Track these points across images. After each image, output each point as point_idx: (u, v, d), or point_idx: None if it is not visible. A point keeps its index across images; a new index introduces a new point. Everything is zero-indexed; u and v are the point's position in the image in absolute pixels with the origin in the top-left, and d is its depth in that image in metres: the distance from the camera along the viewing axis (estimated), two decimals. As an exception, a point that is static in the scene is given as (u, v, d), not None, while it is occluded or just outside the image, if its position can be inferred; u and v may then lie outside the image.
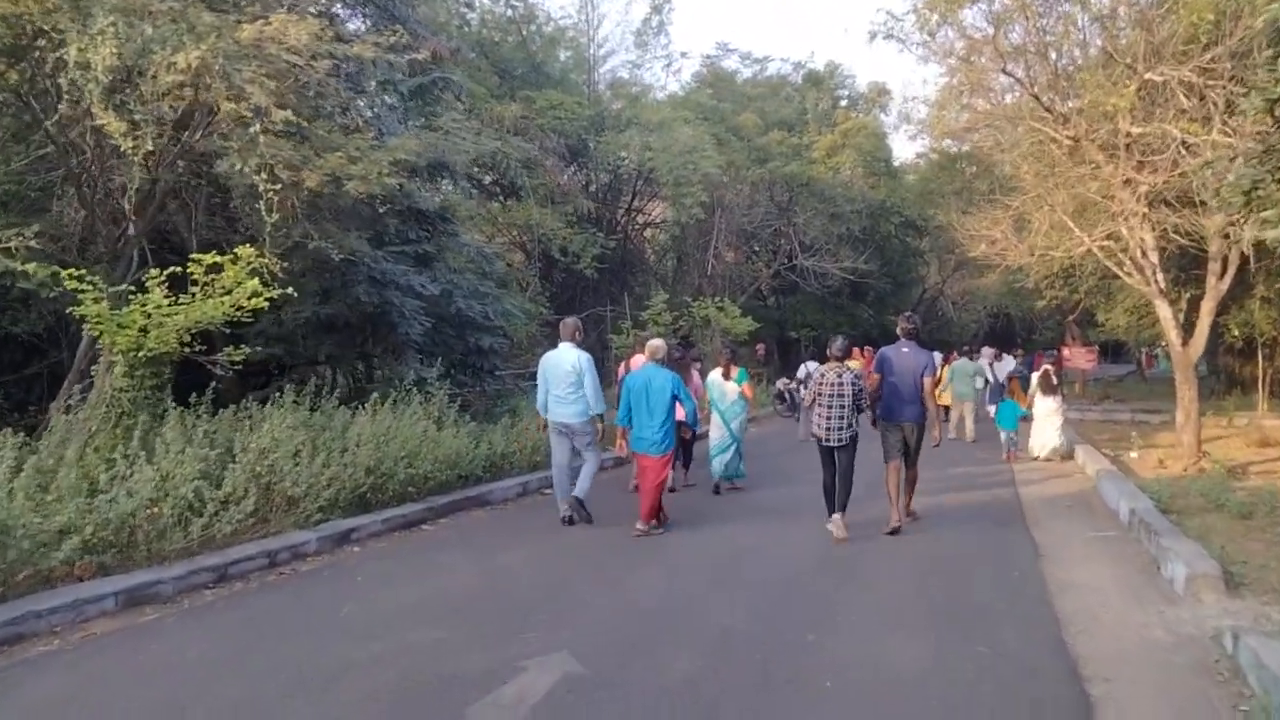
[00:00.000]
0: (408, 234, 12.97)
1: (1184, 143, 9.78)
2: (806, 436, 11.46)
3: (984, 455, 13.88)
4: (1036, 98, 11.18)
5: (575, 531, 8.07)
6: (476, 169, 19.20)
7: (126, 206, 8.26)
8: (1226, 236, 11.32)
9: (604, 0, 28.70)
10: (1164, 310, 11.79)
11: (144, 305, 7.31)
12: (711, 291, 23.76)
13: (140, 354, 7.36)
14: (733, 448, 10.15)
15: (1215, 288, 11.53)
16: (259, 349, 11.03)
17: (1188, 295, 12.02)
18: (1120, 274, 12.06)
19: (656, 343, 8.56)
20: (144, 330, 7.33)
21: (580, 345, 8.31)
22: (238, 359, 8.11)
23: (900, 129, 37.97)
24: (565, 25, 25.39)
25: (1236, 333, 16.11)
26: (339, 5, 13.26)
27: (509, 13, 22.63)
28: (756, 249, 28.05)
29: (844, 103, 28.87)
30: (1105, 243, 12.47)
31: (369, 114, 10.70)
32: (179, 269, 7.62)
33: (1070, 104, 11.30)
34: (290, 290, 8.00)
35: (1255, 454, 13.83)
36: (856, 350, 13.15)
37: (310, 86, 8.22)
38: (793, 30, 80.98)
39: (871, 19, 18.00)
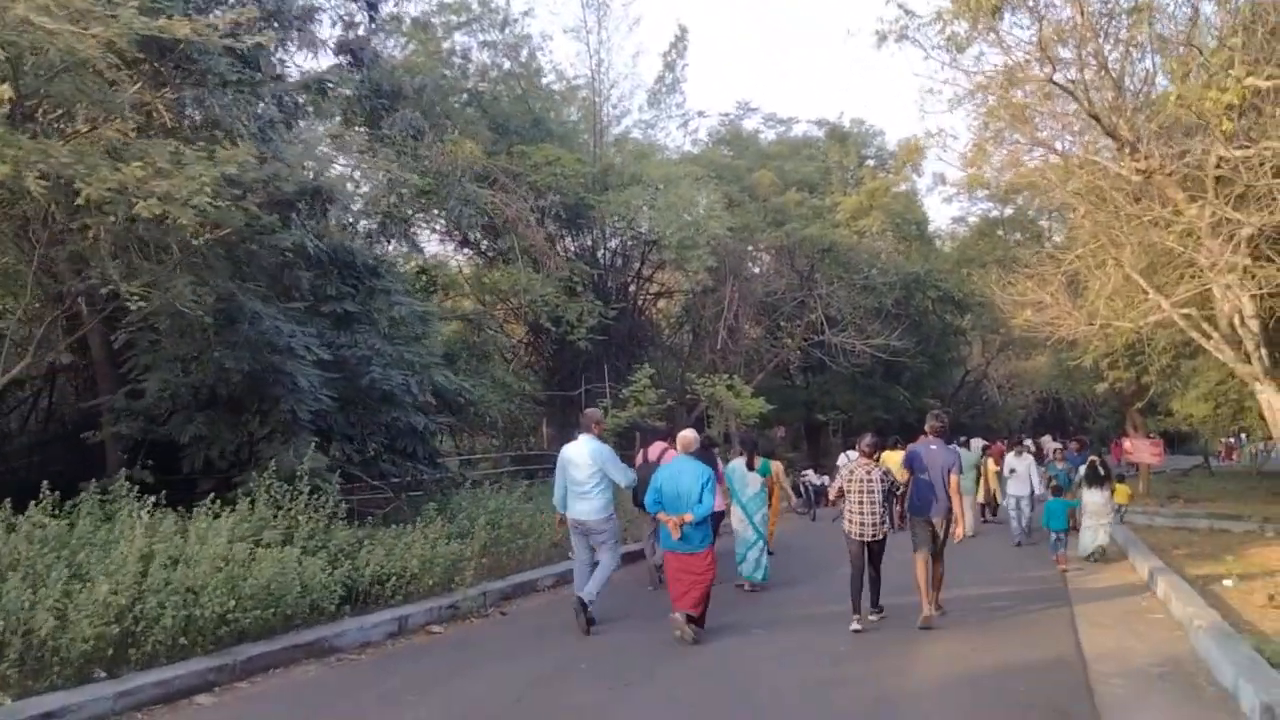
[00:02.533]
0: (324, 289, 10.57)
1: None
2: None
3: (1032, 565, 10.87)
4: (1096, 118, 8.48)
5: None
6: (440, 222, 17.03)
7: None
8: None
9: (618, 59, 26.28)
10: (1271, 397, 8.82)
11: None
12: (727, 368, 21.04)
13: None
14: (760, 545, 9.69)
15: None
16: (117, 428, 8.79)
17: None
18: (1209, 348, 9.12)
19: (690, 434, 8.14)
20: None
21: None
22: None
23: (935, 190, 35.23)
24: (578, 84, 23.47)
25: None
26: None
27: (507, 64, 20.65)
28: (782, 324, 25.32)
29: (871, 161, 26.33)
30: (1185, 310, 9.58)
31: (252, 128, 8.25)
32: None
33: (1141, 124, 8.57)
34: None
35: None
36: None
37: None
38: (821, 92, 79.13)
39: (880, 15, 14.51)
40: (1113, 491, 12.88)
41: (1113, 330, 11.80)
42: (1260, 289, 7.96)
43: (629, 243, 22.36)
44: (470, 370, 17.02)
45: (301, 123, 11.31)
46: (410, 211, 16.00)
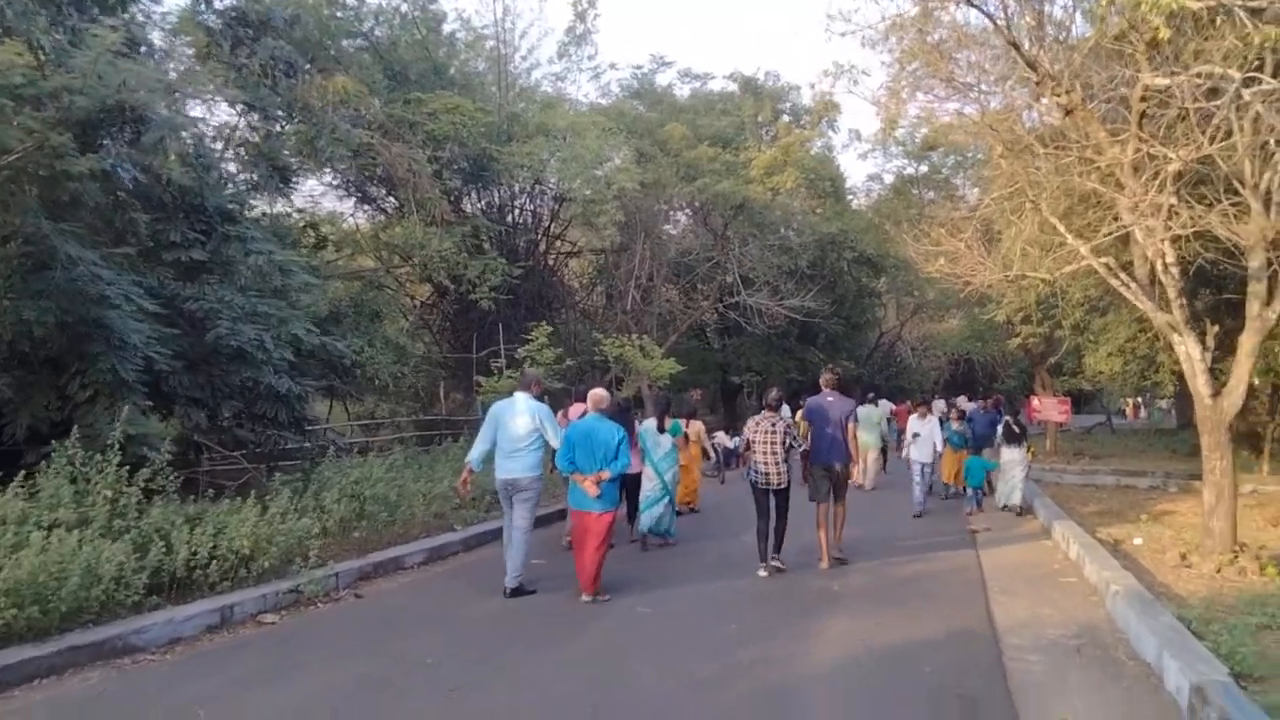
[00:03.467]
0: (167, 235, 9.23)
1: (1238, 94, 6.28)
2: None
3: (941, 529, 10.28)
4: (1016, 46, 7.69)
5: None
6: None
7: None
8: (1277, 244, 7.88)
9: (525, 5, 24.80)
10: (1190, 348, 8.26)
11: None
12: (640, 330, 20.06)
13: None
14: (665, 501, 9.64)
15: (1261, 317, 8.02)
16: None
17: (1216, 331, 8.44)
18: (1128, 295, 8.52)
19: (600, 392, 7.87)
20: None
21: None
22: None
23: (850, 146, 34.78)
24: (485, 33, 21.95)
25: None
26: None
27: (405, 7, 19.08)
28: (699, 285, 24.43)
29: (786, 117, 25.42)
30: (1103, 259, 8.95)
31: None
32: None
33: (1061, 55, 7.81)
34: None
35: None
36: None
37: None
38: (738, 48, 77.89)
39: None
40: (1028, 449, 13.17)
41: (1027, 283, 11.23)
42: (1184, 230, 7.30)
43: (536, 198, 21.15)
44: (361, 330, 15.72)
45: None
46: (291, 159, 14.55)
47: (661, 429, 9.94)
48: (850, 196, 26.91)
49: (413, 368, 17.05)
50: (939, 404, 21.51)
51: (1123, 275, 8.71)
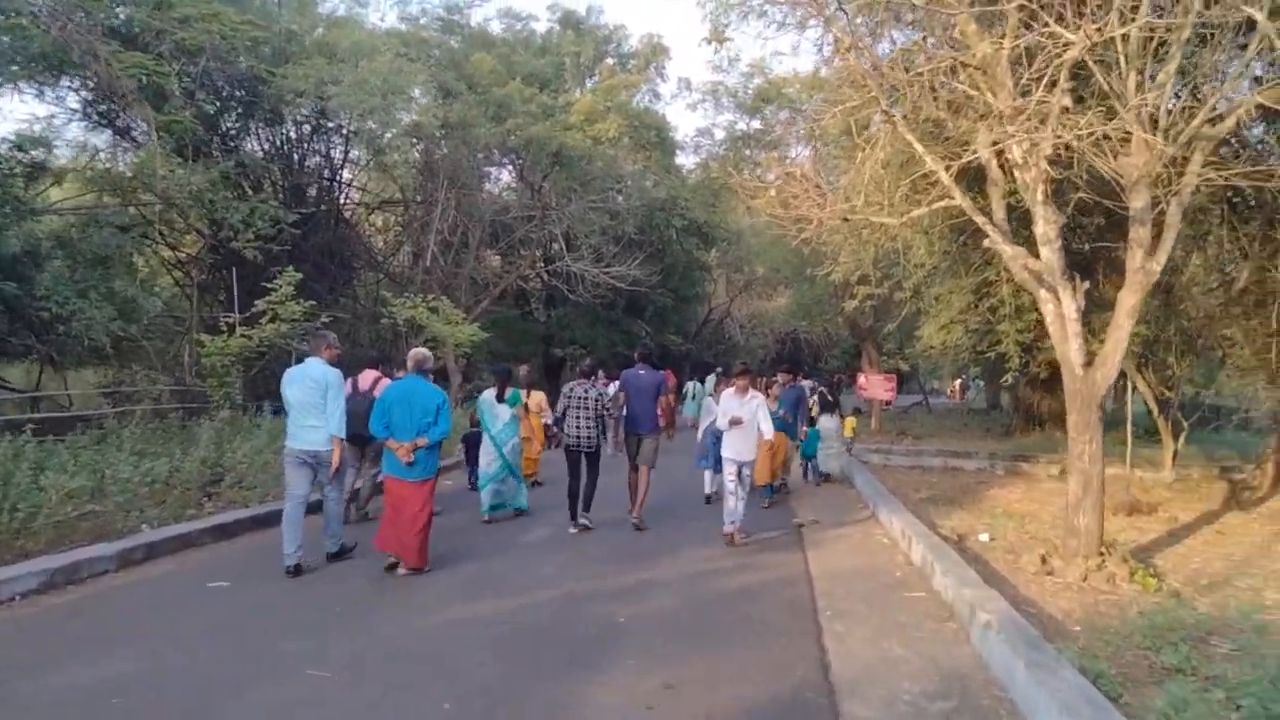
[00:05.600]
0: None
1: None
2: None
3: (768, 526, 8.34)
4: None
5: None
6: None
7: None
8: (1165, 180, 6.31)
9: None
10: (1065, 304, 6.60)
11: None
12: (447, 292, 17.32)
13: None
14: (505, 476, 9.15)
15: (1144, 270, 6.41)
16: None
17: (1086, 287, 6.81)
18: (994, 239, 6.77)
19: (421, 352, 7.19)
20: None
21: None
22: None
23: (680, 96, 32.85)
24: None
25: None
26: None
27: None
28: (522, 251, 21.81)
29: (611, 60, 23.11)
30: (956, 204, 7.20)
31: None
32: None
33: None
34: None
35: (1130, 526, 9.10)
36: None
37: None
38: None
39: None
40: (842, 420, 13.37)
41: (868, 234, 9.47)
42: (1081, 137, 5.48)
43: (325, 137, 17.92)
44: (76, 280, 12.28)
45: None
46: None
47: (500, 398, 9.25)
48: (679, 151, 24.91)
49: (148, 327, 13.62)
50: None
51: (983, 216, 6.95)
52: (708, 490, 10.33)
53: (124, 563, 6.49)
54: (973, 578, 5.92)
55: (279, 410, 14.09)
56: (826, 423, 12.52)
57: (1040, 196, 6.25)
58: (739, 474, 8.12)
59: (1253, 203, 9.63)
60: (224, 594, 5.94)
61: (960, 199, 6.78)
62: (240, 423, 10.42)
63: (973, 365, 24.20)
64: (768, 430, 8.24)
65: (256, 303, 11.72)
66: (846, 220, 8.43)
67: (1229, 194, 9.13)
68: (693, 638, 5.16)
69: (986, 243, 7.55)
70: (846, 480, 12.37)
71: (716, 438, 8.90)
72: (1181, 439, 12.50)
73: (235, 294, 12.93)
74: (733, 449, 8.18)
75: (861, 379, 18.67)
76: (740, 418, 8.13)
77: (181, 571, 6.56)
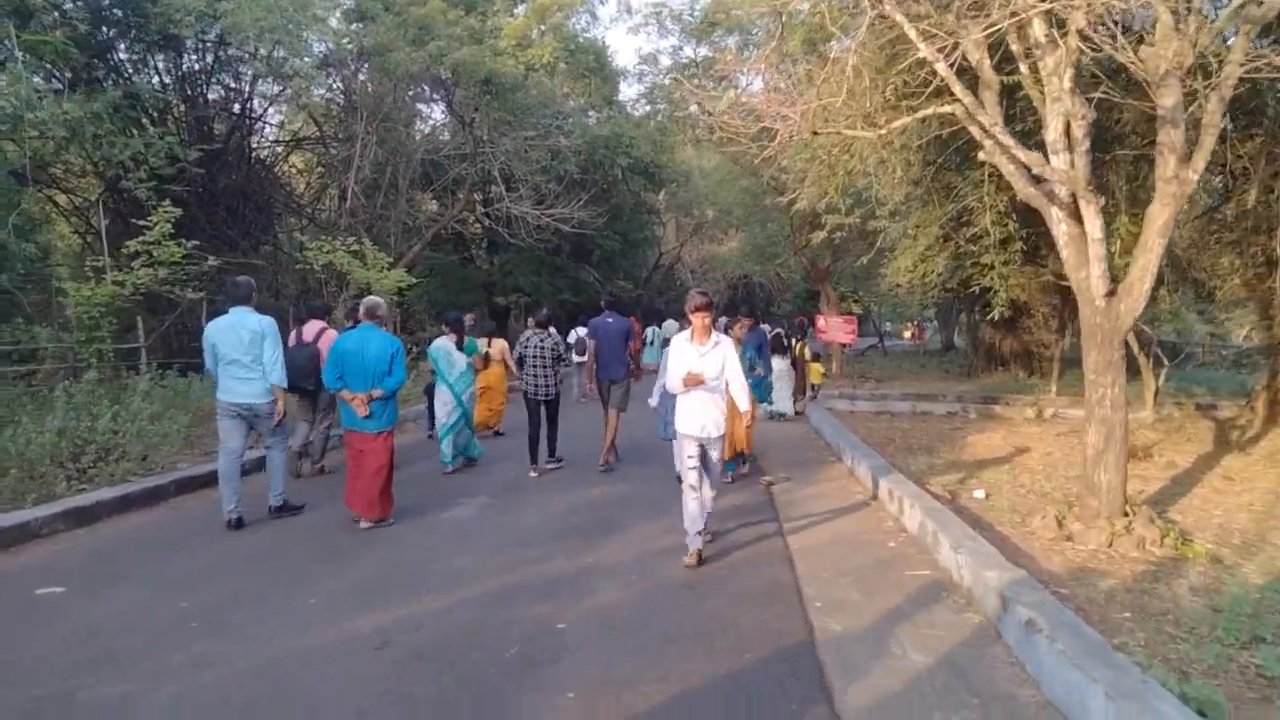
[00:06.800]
0: None
1: None
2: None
3: (738, 493, 7.17)
4: None
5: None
6: None
7: None
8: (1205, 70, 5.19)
9: None
10: (1089, 221, 5.47)
11: None
12: (373, 237, 15.68)
13: None
14: (463, 423, 8.93)
15: (1178, 179, 5.27)
16: None
17: (1104, 203, 5.68)
18: (1001, 145, 5.59)
19: (374, 300, 6.91)
20: None
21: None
22: None
23: (620, 19, 30.77)
24: None
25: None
26: None
27: None
28: (454, 191, 20.07)
29: (547, -23, 21.36)
30: (945, 111, 6.00)
31: None
32: None
33: None
34: None
35: (1131, 473, 8.14)
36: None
37: None
38: None
39: None
40: (805, 365, 14.03)
41: (838, 152, 8.22)
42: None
43: (231, 68, 15.96)
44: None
45: None
46: None
47: (460, 346, 9.09)
48: (621, 80, 23.15)
49: (27, 278, 11.78)
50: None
51: (981, 120, 5.74)
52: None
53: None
54: (992, 554, 4.82)
55: (189, 370, 12.61)
56: (778, 364, 12.60)
57: (1068, 84, 5.04)
58: (702, 459, 5.49)
59: (1258, 115, 8.60)
60: (52, 605, 4.60)
61: (961, 95, 5.55)
62: (115, 384, 8.94)
63: (935, 305, 23.35)
64: (742, 397, 5.60)
65: (128, 243, 10.05)
66: (816, 135, 7.17)
67: (1232, 105, 8.09)
68: (642, 652, 3.97)
69: (982, 155, 6.34)
70: (808, 423, 12.24)
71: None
72: (1162, 377, 11.68)
73: (104, 234, 11.21)
74: (692, 419, 5.48)
75: (821, 321, 17.59)
76: (700, 375, 5.35)
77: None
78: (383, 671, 3.74)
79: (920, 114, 6.56)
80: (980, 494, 7.08)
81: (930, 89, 6.64)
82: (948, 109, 6.24)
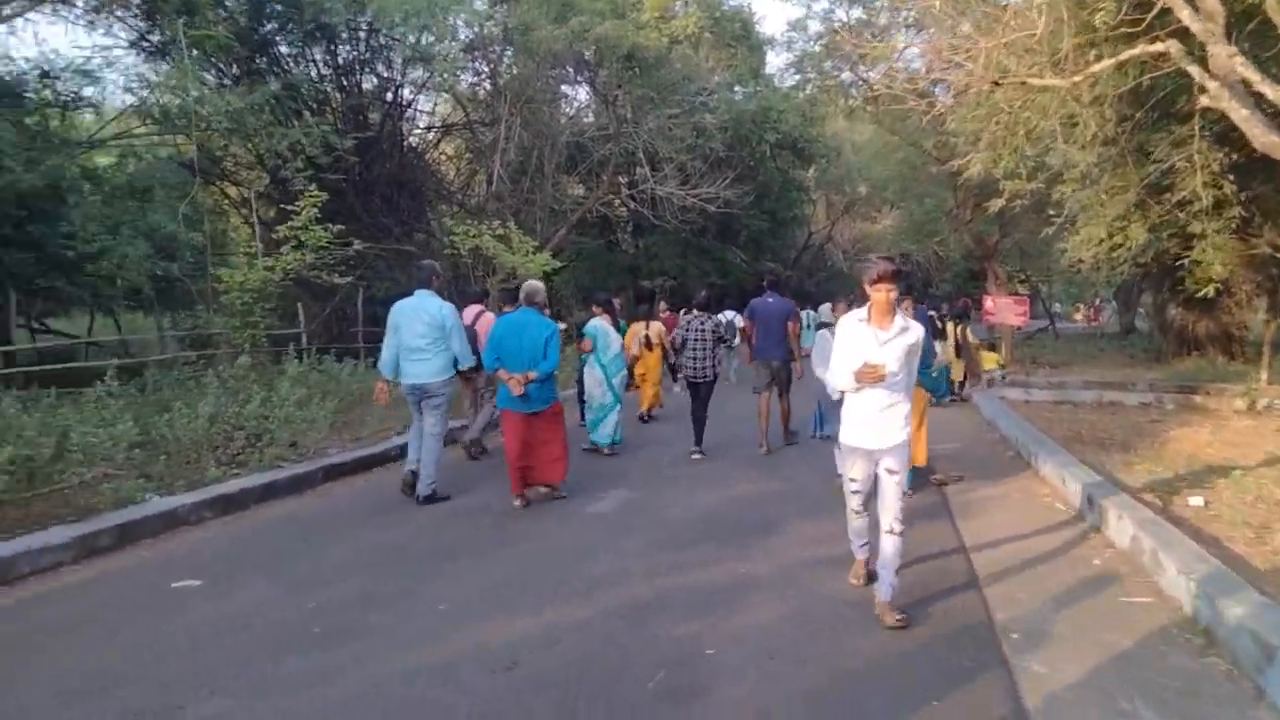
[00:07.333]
0: None
1: None
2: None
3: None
4: None
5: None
6: None
7: None
8: None
9: None
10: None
11: None
12: (519, 221, 15.65)
13: None
14: (617, 409, 8.79)
15: None
16: None
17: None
18: (1220, 96, 4.58)
19: (534, 284, 6.89)
20: None
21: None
22: None
23: None
24: None
25: None
26: None
27: None
28: (598, 174, 19.86)
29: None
30: (1157, 49, 5.02)
31: None
32: None
33: None
34: None
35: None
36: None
37: None
38: None
39: None
40: (972, 350, 13.09)
41: (1020, 106, 7.20)
42: None
43: (383, 55, 16.27)
44: (109, 218, 11.07)
45: None
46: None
47: (616, 327, 9.17)
48: (769, 48, 22.13)
49: (195, 265, 12.32)
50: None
51: (1219, 50, 4.74)
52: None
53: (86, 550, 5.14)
54: (1236, 582, 3.92)
55: (344, 355, 12.92)
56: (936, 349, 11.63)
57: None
58: (881, 479, 4.17)
59: None
60: (183, 600, 4.48)
61: (1190, 22, 4.57)
62: (273, 370, 9.11)
63: (1118, 283, 21.21)
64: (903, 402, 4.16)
65: (277, 228, 10.24)
66: (997, 86, 6.26)
67: None
68: (816, 694, 3.37)
69: (1206, 100, 5.32)
70: (978, 413, 11.28)
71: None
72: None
73: (256, 221, 11.53)
74: (861, 429, 4.18)
75: (989, 302, 16.19)
76: (880, 369, 3.91)
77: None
78: (506, 700, 3.31)
79: (1124, 55, 5.58)
80: (1198, 501, 6.02)
81: (1139, 26, 5.64)
82: (1159, 47, 5.27)
